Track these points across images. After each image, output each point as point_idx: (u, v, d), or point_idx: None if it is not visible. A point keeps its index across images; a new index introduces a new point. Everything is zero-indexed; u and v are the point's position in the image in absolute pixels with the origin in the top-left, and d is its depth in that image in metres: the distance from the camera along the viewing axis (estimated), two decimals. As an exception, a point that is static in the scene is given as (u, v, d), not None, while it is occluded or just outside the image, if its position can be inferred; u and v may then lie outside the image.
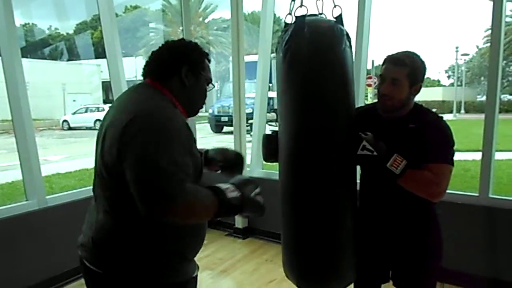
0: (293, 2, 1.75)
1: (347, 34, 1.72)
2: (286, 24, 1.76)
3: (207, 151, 1.67)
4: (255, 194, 1.35)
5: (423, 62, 1.73)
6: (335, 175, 1.68)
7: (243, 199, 1.30)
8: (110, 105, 1.51)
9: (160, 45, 1.45)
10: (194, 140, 1.36)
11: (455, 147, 1.71)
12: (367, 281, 1.92)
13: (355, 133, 1.65)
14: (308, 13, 1.71)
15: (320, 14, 1.78)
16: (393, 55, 1.73)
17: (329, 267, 1.74)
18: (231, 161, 1.67)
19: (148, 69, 1.42)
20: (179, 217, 1.19)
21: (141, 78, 1.44)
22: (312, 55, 1.62)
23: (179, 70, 1.38)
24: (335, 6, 1.75)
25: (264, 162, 3.81)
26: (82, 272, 1.40)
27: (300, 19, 1.67)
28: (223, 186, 1.29)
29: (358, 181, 1.86)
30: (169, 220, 1.20)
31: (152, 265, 1.30)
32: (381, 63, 1.76)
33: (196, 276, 1.45)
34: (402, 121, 1.72)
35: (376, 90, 1.89)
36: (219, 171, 1.68)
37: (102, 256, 1.32)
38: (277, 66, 1.75)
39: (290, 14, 1.74)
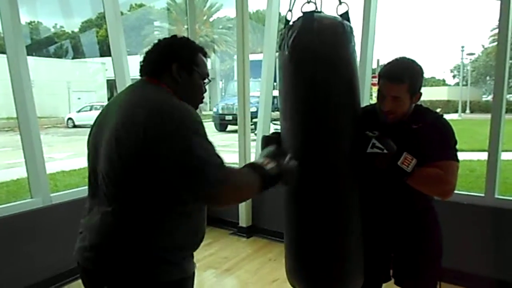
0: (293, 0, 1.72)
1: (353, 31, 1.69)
2: (287, 21, 1.72)
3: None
4: (289, 160, 1.47)
5: (420, 70, 1.67)
6: (343, 177, 1.64)
7: (280, 168, 1.40)
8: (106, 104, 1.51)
9: (153, 43, 1.47)
10: None
11: (458, 146, 1.70)
12: (368, 281, 1.91)
13: (362, 133, 1.62)
14: (312, 10, 1.66)
15: (319, 12, 1.74)
16: (389, 68, 1.67)
17: (337, 273, 1.68)
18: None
19: (142, 68, 1.45)
20: (230, 198, 1.27)
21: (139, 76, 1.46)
22: (323, 52, 1.56)
23: (170, 68, 1.39)
24: (340, 3, 1.70)
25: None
26: (81, 274, 1.39)
27: (308, 14, 1.62)
28: (259, 161, 1.41)
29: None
30: (221, 203, 1.28)
31: (154, 263, 1.29)
32: (386, 62, 1.72)
33: (194, 273, 1.45)
34: (404, 123, 1.70)
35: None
36: None
37: (104, 257, 1.31)
38: (282, 64, 1.69)
39: (290, 11, 1.71)
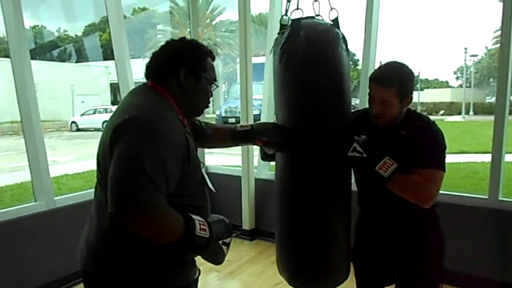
0: (288, 3, 1.75)
1: (344, 37, 1.72)
2: (281, 26, 1.76)
3: (252, 125, 1.74)
4: (223, 243, 1.32)
5: (410, 74, 1.67)
6: (329, 177, 1.69)
7: (208, 243, 1.25)
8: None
9: (161, 45, 1.42)
10: (189, 150, 1.29)
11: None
12: (370, 283, 1.91)
13: (349, 136, 1.65)
14: (305, 16, 1.72)
15: (317, 15, 1.77)
16: (378, 72, 1.69)
17: (320, 266, 1.75)
18: (270, 135, 1.70)
19: (148, 71, 1.41)
20: (140, 228, 1.14)
21: (145, 79, 1.43)
22: (308, 59, 1.62)
23: (177, 72, 1.35)
24: (331, 9, 1.75)
25: (272, 164, 3.81)
26: (83, 279, 1.38)
27: (295, 22, 1.67)
28: (197, 220, 1.23)
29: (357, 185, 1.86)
30: (128, 227, 1.14)
31: (156, 269, 1.28)
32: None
33: (197, 278, 1.44)
34: (394, 128, 1.70)
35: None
36: (265, 144, 1.73)
37: (105, 261, 1.30)
38: (274, 69, 1.77)
39: (285, 15, 1.74)
